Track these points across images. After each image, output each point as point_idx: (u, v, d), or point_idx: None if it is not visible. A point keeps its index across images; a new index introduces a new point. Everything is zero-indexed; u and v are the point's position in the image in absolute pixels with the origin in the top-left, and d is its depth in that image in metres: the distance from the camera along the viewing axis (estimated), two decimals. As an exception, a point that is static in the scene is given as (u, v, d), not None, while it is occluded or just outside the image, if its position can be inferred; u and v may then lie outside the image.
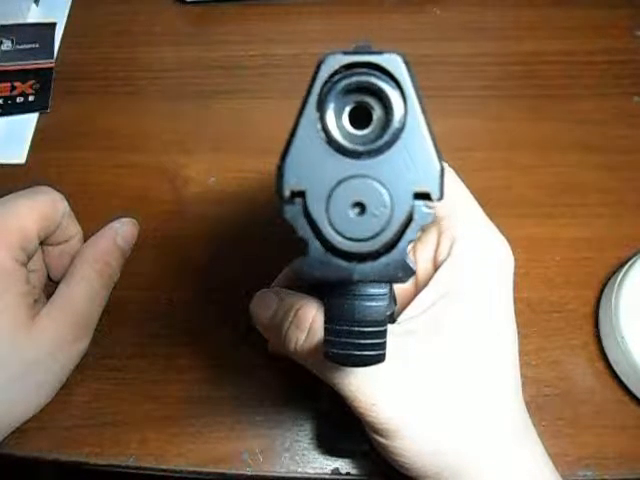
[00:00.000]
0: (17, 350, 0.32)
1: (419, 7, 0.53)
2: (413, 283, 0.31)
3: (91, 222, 0.40)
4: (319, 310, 0.27)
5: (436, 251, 0.30)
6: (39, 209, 0.35)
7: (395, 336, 0.26)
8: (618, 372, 0.36)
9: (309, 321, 0.27)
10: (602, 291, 0.39)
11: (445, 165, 0.18)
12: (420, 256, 0.31)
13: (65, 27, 0.53)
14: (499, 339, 0.28)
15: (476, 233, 0.29)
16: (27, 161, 0.46)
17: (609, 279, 0.39)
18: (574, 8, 0.52)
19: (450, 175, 0.30)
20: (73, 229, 0.39)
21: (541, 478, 0.27)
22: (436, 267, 0.29)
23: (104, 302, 0.37)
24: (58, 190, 0.37)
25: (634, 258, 0.37)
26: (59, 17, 0.53)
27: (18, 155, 0.46)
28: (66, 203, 0.37)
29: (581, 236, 0.41)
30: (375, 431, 0.26)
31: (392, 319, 0.29)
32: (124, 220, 0.40)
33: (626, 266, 0.37)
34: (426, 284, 0.29)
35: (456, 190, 0.30)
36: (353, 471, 0.34)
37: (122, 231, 0.39)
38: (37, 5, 0.54)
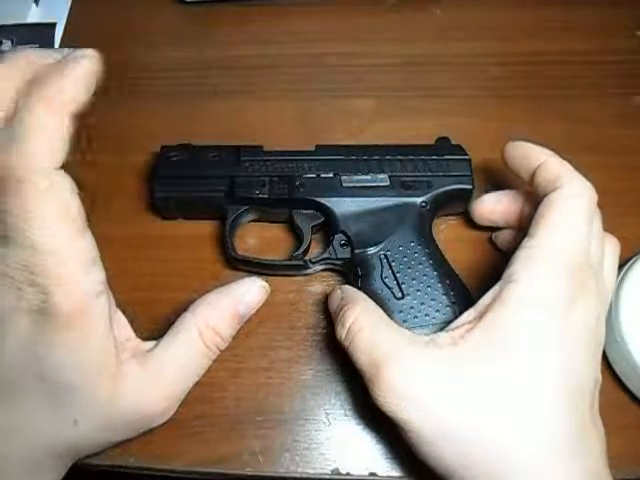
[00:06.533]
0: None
1: (419, 7, 0.53)
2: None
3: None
4: (362, 312, 0.31)
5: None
6: None
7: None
8: (618, 372, 0.36)
9: (349, 322, 0.30)
10: (602, 291, 0.39)
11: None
12: None
13: (65, 27, 0.53)
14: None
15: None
16: (27, 161, 0.45)
17: (609, 279, 0.38)
18: (574, 8, 0.52)
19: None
20: None
21: None
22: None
23: (200, 373, 0.32)
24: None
25: (634, 258, 0.37)
26: (59, 17, 0.53)
27: (18, 155, 0.46)
28: None
29: (581, 236, 0.41)
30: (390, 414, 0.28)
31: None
32: (256, 284, 0.33)
33: (626, 266, 0.37)
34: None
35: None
36: (353, 471, 0.34)
37: (248, 297, 0.33)
38: (37, 5, 0.54)
